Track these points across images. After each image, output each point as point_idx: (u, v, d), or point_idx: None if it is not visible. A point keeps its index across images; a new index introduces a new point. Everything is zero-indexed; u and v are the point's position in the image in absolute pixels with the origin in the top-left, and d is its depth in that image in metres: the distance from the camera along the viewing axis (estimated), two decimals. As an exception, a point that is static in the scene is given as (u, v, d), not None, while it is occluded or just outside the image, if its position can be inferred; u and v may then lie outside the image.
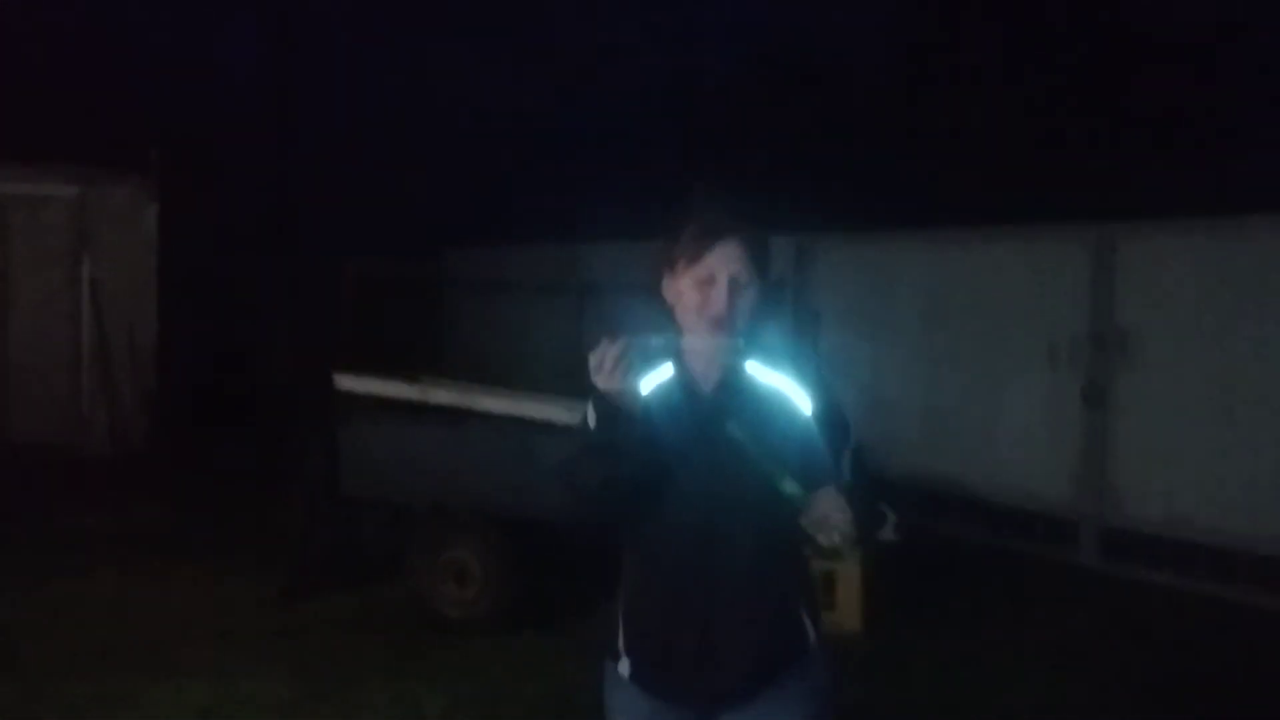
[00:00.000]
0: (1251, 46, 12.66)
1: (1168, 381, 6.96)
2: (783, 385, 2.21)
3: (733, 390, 2.22)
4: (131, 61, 15.36)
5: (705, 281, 2.18)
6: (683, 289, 2.22)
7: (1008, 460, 7.72)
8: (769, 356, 2.23)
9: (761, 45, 15.89)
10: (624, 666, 2.30)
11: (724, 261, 2.18)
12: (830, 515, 2.04)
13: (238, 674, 5.10)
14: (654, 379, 2.22)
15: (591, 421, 2.22)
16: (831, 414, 2.22)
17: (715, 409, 2.21)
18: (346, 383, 6.21)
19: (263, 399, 10.42)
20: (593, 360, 2.07)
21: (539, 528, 5.62)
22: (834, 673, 2.36)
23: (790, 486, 2.08)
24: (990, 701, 5.08)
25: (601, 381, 2.07)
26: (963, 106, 13.22)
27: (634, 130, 15.76)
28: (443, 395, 6.15)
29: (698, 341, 2.21)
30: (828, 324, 8.25)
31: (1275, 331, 6.49)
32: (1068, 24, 13.40)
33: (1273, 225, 6.65)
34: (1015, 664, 5.49)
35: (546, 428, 5.73)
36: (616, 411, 2.12)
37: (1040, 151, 12.05)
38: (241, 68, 15.50)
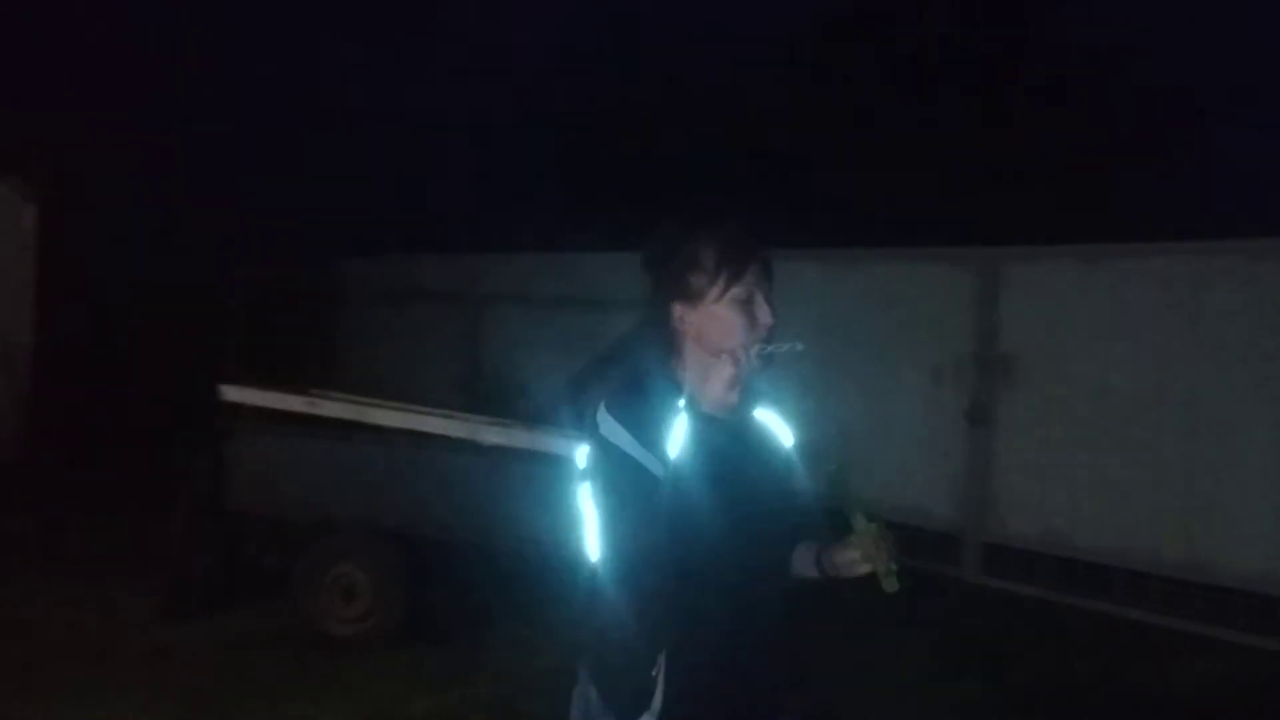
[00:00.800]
0: (1137, 79, 13.22)
1: (1048, 402, 7.20)
2: (769, 419, 2.21)
3: (750, 427, 2.18)
4: (12, 57, 14.79)
5: (747, 301, 2.09)
6: (720, 313, 2.09)
7: (893, 477, 7.87)
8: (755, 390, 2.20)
9: (657, 63, 16.01)
10: None
11: (759, 278, 2.11)
12: (889, 548, 2.06)
13: (116, 696, 4.92)
14: (677, 427, 2.00)
15: (639, 457, 1.96)
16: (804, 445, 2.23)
17: (747, 448, 2.15)
18: (233, 394, 6.07)
19: (145, 409, 10.11)
20: (726, 371, 2.02)
21: (428, 542, 5.57)
22: None
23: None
24: (873, 713, 5.18)
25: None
26: (855, 129, 13.49)
27: (530, 144, 15.73)
28: (333, 408, 6.05)
29: (723, 372, 2.07)
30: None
31: (1149, 356, 6.77)
32: (958, 52, 13.79)
33: (1149, 253, 6.96)
34: (897, 675, 5.61)
35: (440, 442, 5.70)
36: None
37: (929, 177, 12.35)
38: (130, 67, 15.04)
